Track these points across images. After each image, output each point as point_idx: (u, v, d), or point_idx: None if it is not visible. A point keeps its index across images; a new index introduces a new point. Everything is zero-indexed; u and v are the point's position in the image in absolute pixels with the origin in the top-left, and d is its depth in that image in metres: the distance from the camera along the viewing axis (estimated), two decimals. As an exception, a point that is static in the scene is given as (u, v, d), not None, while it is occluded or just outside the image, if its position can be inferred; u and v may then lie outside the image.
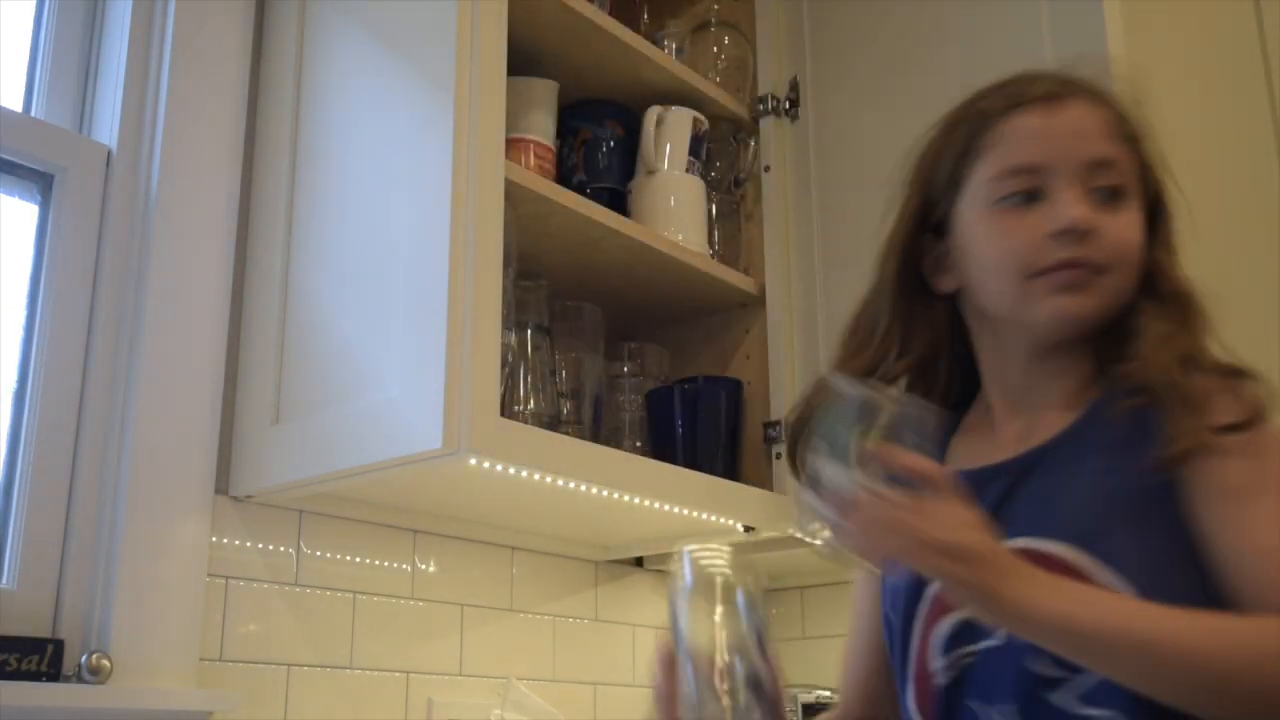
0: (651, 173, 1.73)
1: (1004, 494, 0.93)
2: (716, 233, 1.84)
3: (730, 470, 1.73)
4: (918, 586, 0.96)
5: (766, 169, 1.85)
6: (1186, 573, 0.86)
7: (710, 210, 1.81)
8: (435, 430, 1.25)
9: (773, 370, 1.78)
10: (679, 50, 1.86)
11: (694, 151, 1.76)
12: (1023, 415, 0.99)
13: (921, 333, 1.02)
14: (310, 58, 1.55)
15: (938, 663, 0.93)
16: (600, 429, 1.68)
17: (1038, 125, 0.95)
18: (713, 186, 1.84)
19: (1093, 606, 0.81)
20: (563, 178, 1.64)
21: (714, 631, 0.93)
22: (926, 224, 1.01)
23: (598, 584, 1.89)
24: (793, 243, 1.81)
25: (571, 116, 1.71)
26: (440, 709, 1.59)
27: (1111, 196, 0.94)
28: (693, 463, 1.65)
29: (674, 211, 1.72)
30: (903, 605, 0.97)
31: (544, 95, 1.63)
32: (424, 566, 1.64)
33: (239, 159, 1.55)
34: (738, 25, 1.94)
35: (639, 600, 1.95)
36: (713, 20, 1.94)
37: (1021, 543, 0.89)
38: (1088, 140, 0.95)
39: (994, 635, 0.89)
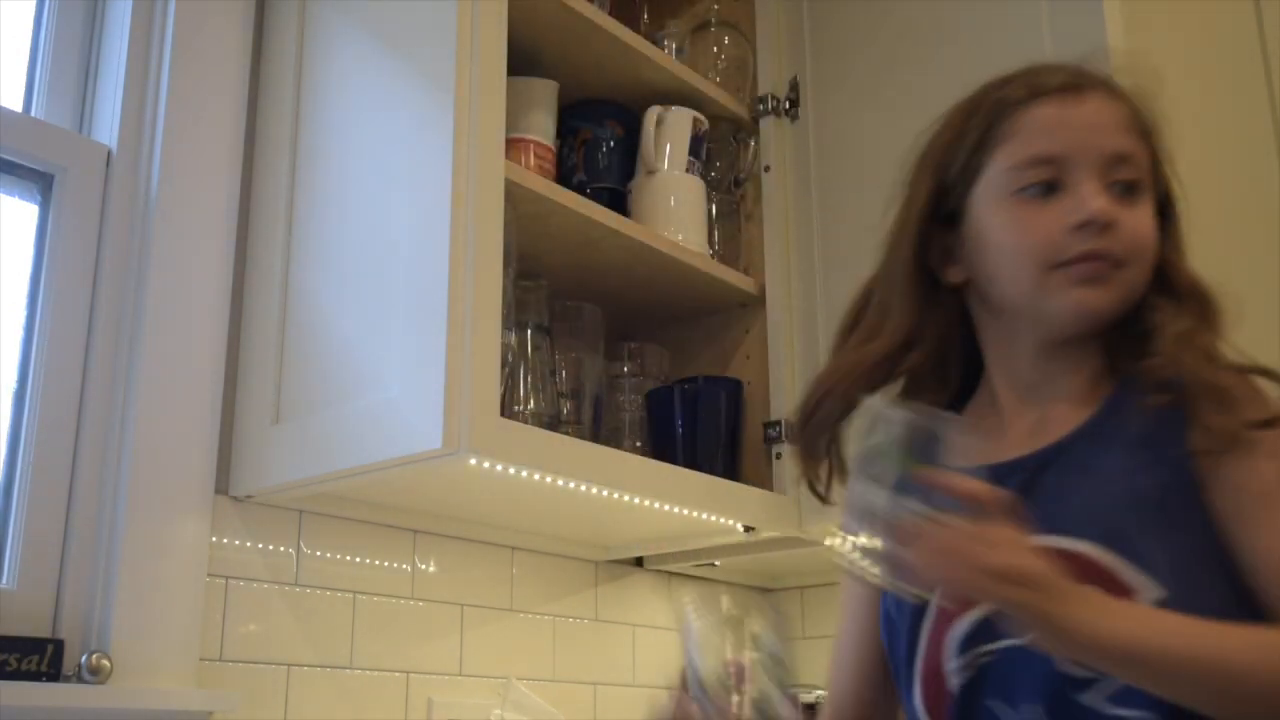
0: (651, 173, 1.73)
1: (1020, 490, 0.91)
2: (716, 233, 1.84)
3: (730, 470, 1.73)
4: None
5: (766, 169, 1.85)
6: (1213, 572, 0.86)
7: (710, 210, 1.81)
8: (435, 430, 1.25)
9: (773, 370, 1.78)
10: (679, 50, 1.86)
11: (694, 151, 1.76)
12: (1033, 410, 0.98)
13: (933, 324, 1.01)
14: (310, 58, 1.55)
15: (953, 663, 0.92)
16: (600, 429, 1.68)
17: (1058, 116, 0.94)
18: (713, 186, 1.84)
19: (1157, 630, 0.80)
20: (563, 178, 1.64)
21: (731, 676, 0.91)
22: (938, 213, 1.00)
23: (598, 584, 1.89)
24: (793, 243, 1.81)
25: (571, 116, 1.71)
26: (440, 709, 1.59)
27: (1128, 191, 0.93)
28: (693, 463, 1.65)
29: (674, 211, 1.72)
30: (910, 603, 0.96)
31: (544, 95, 1.63)
32: (424, 566, 1.64)
33: (239, 159, 1.55)
34: (738, 25, 1.94)
35: (639, 600, 1.95)
36: (713, 20, 1.95)
37: (1045, 541, 0.87)
38: (1107, 133, 0.94)
39: (1011, 633, 0.87)
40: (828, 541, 0.91)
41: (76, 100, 1.51)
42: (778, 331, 1.78)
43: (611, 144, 1.73)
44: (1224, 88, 1.74)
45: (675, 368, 1.85)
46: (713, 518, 1.65)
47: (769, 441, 1.75)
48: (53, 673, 1.27)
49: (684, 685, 0.92)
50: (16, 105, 1.46)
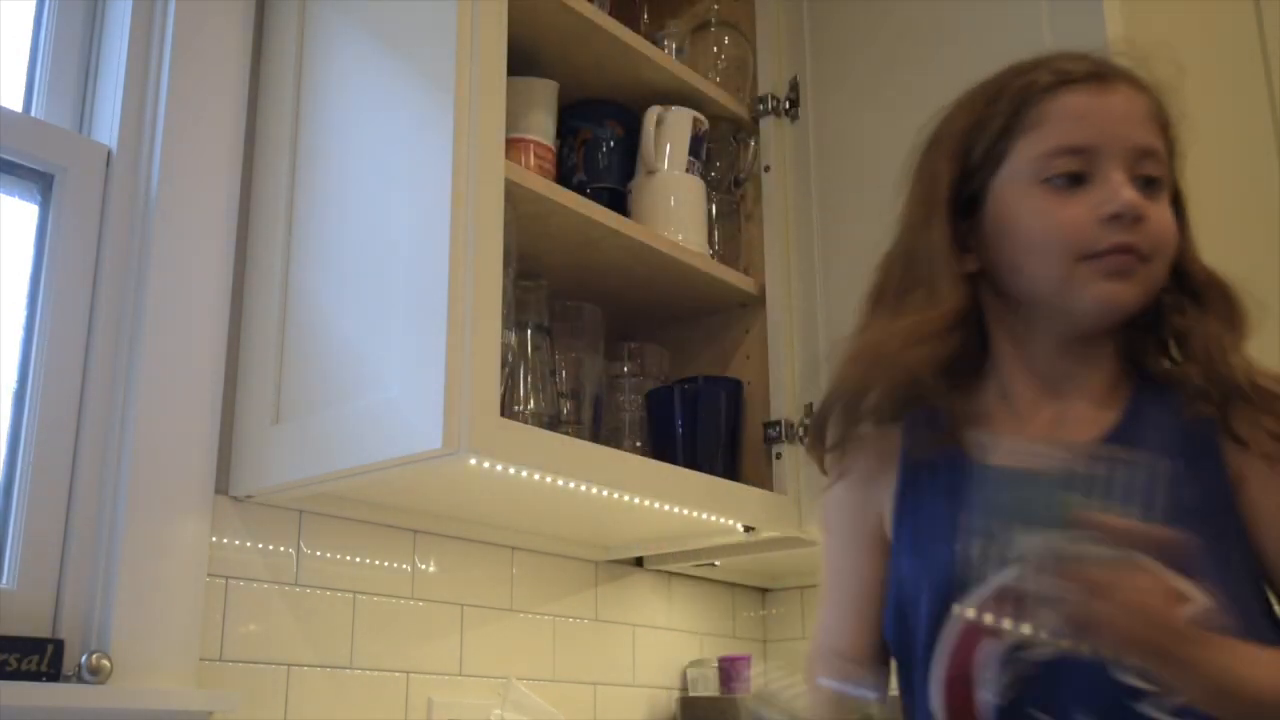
0: (651, 173, 1.73)
1: None
2: (716, 233, 1.84)
3: (730, 470, 1.73)
4: (957, 585, 0.90)
5: (766, 169, 1.85)
6: (1249, 581, 0.86)
7: (710, 210, 1.81)
8: (435, 430, 1.25)
9: (773, 370, 1.78)
10: (679, 50, 1.86)
11: (694, 151, 1.76)
12: (1050, 405, 0.96)
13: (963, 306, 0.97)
14: (310, 58, 1.55)
15: (989, 671, 0.88)
16: (600, 429, 1.68)
17: (1087, 105, 0.93)
18: (713, 186, 1.84)
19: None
20: (563, 178, 1.64)
21: None
22: (958, 198, 0.97)
23: (598, 584, 1.89)
24: (793, 243, 1.81)
25: (571, 116, 1.71)
26: (440, 709, 1.59)
27: (1149, 185, 0.92)
28: (693, 463, 1.65)
29: (674, 211, 1.72)
30: (938, 599, 0.91)
31: (544, 95, 1.63)
32: (424, 566, 1.64)
33: (239, 159, 1.55)
34: (738, 25, 1.94)
35: (639, 600, 1.95)
36: (713, 20, 1.94)
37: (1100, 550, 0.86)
38: (1135, 126, 0.93)
39: (1004, 636, 0.86)
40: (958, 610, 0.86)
41: (76, 100, 1.51)
42: (778, 331, 1.78)
43: (611, 144, 1.73)
44: (1224, 88, 1.74)
45: (675, 368, 1.85)
46: (713, 518, 1.65)
47: (769, 441, 1.75)
48: (53, 673, 1.27)
49: None
50: (16, 105, 1.46)
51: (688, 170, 1.75)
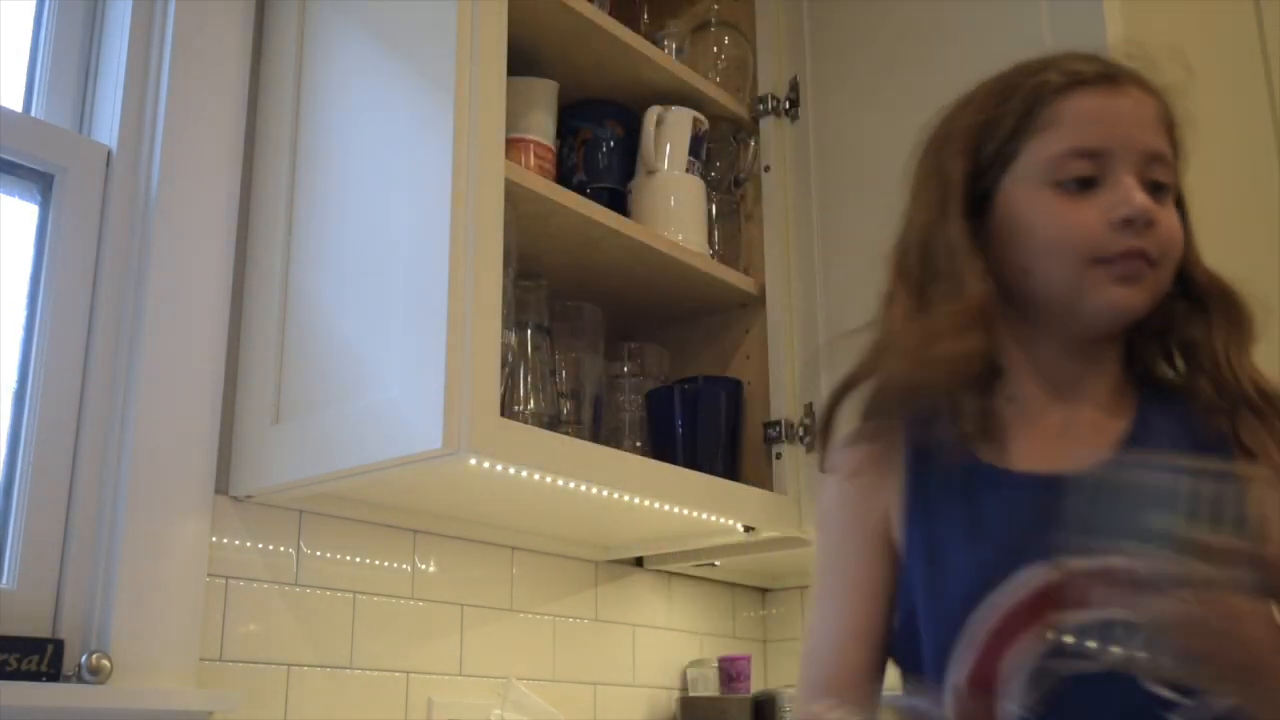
0: (651, 173, 1.73)
1: (1086, 508, 0.87)
2: (716, 233, 1.84)
3: (730, 470, 1.73)
4: (978, 590, 0.87)
5: (766, 169, 1.85)
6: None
7: (710, 210, 1.81)
8: (435, 430, 1.25)
9: (773, 370, 1.78)
10: (679, 50, 1.86)
11: (694, 151, 1.76)
12: (1059, 409, 0.95)
13: None
14: (310, 58, 1.55)
15: (1015, 681, 0.85)
16: (600, 429, 1.68)
17: (1100, 107, 0.92)
18: (713, 186, 1.84)
19: None
20: (563, 178, 1.64)
21: None
22: (970, 196, 0.96)
23: (598, 584, 1.89)
24: (793, 243, 1.81)
25: (571, 116, 1.71)
26: (440, 709, 1.59)
27: (1157, 190, 0.92)
28: (693, 463, 1.65)
29: (674, 211, 1.72)
30: (958, 606, 0.89)
31: (544, 95, 1.63)
32: (424, 566, 1.64)
33: (239, 159, 1.55)
34: (738, 25, 1.94)
35: (639, 600, 1.95)
36: (713, 20, 1.95)
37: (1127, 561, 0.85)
38: (1145, 129, 0.92)
39: (1093, 659, 0.83)
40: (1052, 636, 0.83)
41: (76, 100, 1.51)
42: (778, 331, 1.78)
43: (611, 144, 1.73)
44: (1224, 88, 1.74)
45: (675, 368, 1.85)
46: (713, 518, 1.65)
47: (769, 441, 1.75)
48: (53, 673, 1.27)
49: None
50: (16, 105, 1.46)
51: (688, 170, 1.75)
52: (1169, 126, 0.95)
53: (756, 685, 1.99)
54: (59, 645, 1.28)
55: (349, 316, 1.40)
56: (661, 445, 1.71)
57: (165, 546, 1.38)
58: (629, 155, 1.75)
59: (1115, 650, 0.78)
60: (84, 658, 1.28)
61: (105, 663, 1.29)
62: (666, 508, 1.58)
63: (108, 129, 1.48)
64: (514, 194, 1.42)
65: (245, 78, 1.57)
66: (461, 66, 1.36)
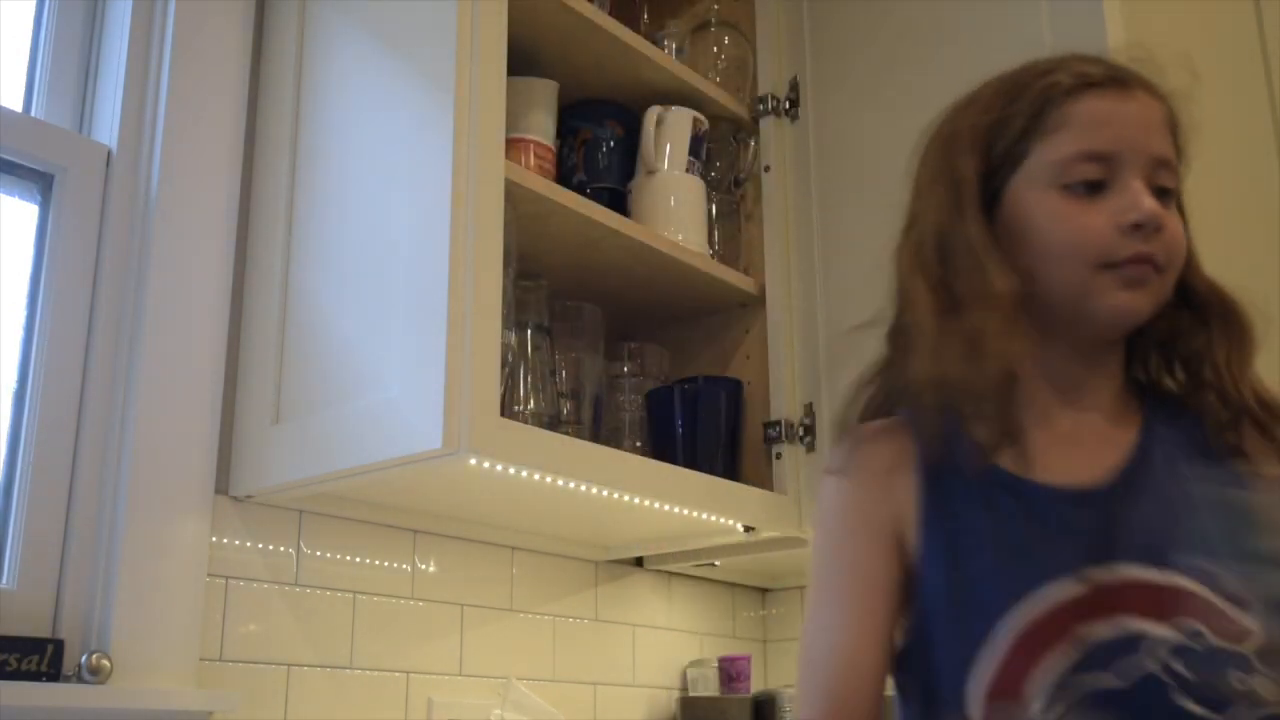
0: (651, 173, 1.73)
1: (1109, 522, 0.88)
2: (716, 233, 1.84)
3: (730, 470, 1.73)
4: (1003, 601, 0.86)
5: (766, 169, 1.85)
6: None
7: (710, 210, 1.81)
8: (435, 430, 1.25)
9: (773, 370, 1.78)
10: (679, 50, 1.86)
11: (694, 151, 1.76)
12: (1067, 413, 0.94)
13: None
14: (310, 58, 1.55)
15: (1042, 693, 0.83)
16: (600, 429, 1.68)
17: (1109, 110, 0.92)
18: (713, 186, 1.84)
19: None
20: (563, 178, 1.64)
21: None
22: (982, 196, 0.95)
23: (598, 584, 1.89)
24: (793, 243, 1.81)
25: (571, 116, 1.71)
26: (440, 709, 1.59)
27: (1162, 196, 0.92)
28: (693, 463, 1.65)
29: (674, 211, 1.72)
30: (979, 617, 0.87)
31: (544, 95, 1.63)
32: (424, 566, 1.64)
33: (239, 159, 1.55)
34: (738, 25, 1.94)
35: (639, 600, 1.95)
36: (713, 20, 1.95)
37: (1155, 576, 0.85)
38: (1153, 134, 0.92)
39: (1117, 675, 0.82)
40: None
41: (76, 100, 1.51)
42: (778, 331, 1.78)
43: (611, 144, 1.73)
44: (1224, 88, 1.74)
45: (675, 368, 1.85)
46: (713, 518, 1.65)
47: (769, 441, 1.75)
48: (53, 673, 1.27)
49: None
50: (16, 105, 1.47)
51: (688, 170, 1.75)
52: (1173, 131, 0.95)
53: (756, 685, 2.00)
54: (59, 645, 1.28)
55: (349, 316, 1.40)
56: (661, 445, 1.71)
57: (165, 546, 1.38)
58: (629, 155, 1.75)
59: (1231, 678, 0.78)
60: (84, 658, 1.28)
61: (105, 663, 1.29)
62: (666, 508, 1.58)
63: (108, 129, 1.49)
64: (514, 194, 1.42)
65: (245, 78, 1.57)
66: (461, 66, 1.36)
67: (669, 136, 1.74)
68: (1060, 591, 0.84)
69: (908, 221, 0.99)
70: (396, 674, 1.57)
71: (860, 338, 1.01)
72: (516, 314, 1.49)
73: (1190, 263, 0.96)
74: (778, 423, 1.74)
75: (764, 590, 2.20)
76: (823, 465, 1.00)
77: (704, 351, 1.87)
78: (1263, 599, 0.84)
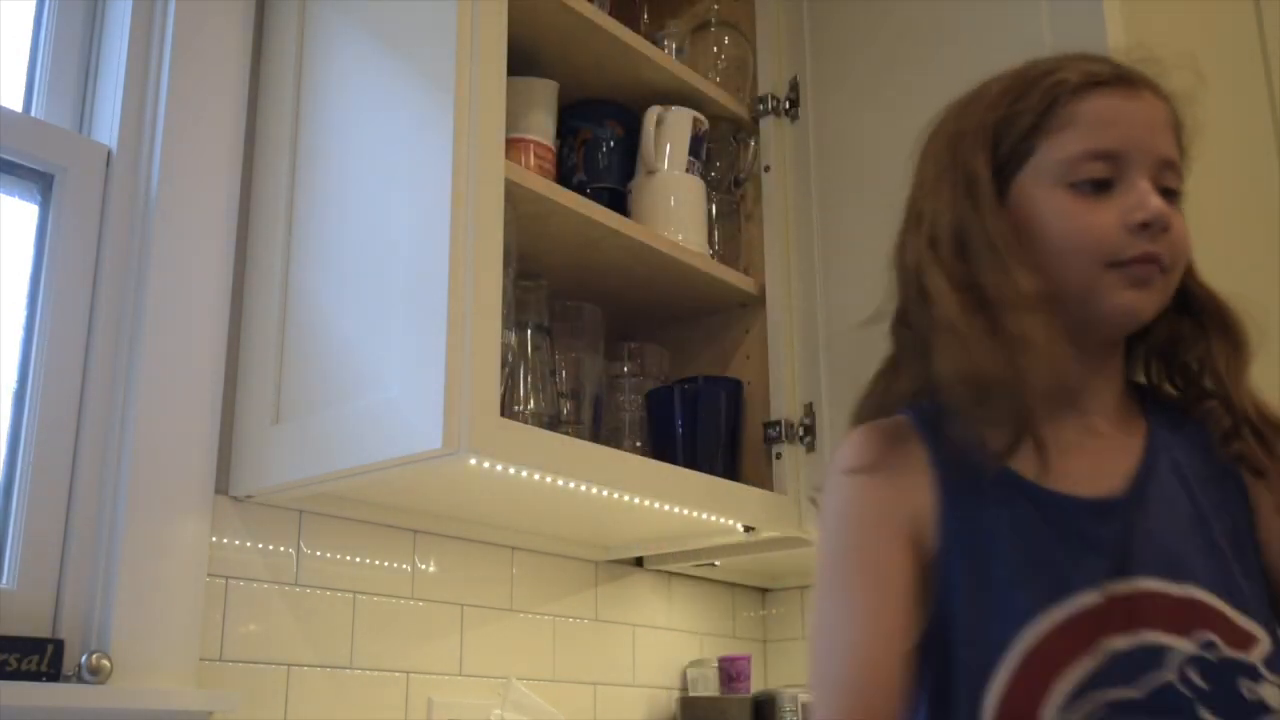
0: (651, 173, 1.73)
1: (1125, 534, 0.87)
2: (716, 233, 1.84)
3: (730, 470, 1.73)
4: (1024, 610, 0.85)
5: (766, 169, 1.85)
6: (1273, 614, 0.86)
7: (710, 210, 1.81)
8: (435, 430, 1.25)
9: (773, 370, 1.78)
10: (679, 50, 1.86)
11: (694, 151, 1.76)
12: (1074, 416, 0.93)
13: None
14: (310, 58, 1.55)
15: (1055, 707, 0.82)
16: (600, 429, 1.68)
17: (1117, 109, 0.91)
18: (713, 186, 1.84)
19: None
20: (563, 178, 1.64)
21: None
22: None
23: (598, 584, 1.89)
24: (793, 243, 1.81)
25: (571, 116, 1.71)
26: (440, 709, 1.59)
27: (1167, 196, 0.91)
28: (693, 463, 1.65)
29: (674, 211, 1.72)
30: (998, 625, 0.85)
31: (544, 95, 1.63)
32: (424, 566, 1.64)
33: (239, 159, 1.55)
34: (738, 25, 1.94)
35: (639, 600, 1.95)
36: (713, 20, 1.95)
37: (1167, 589, 0.85)
38: (1160, 135, 0.92)
39: (1135, 686, 0.82)
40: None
41: (76, 100, 1.52)
42: (778, 331, 1.78)
43: (611, 144, 1.73)
44: (1224, 88, 1.74)
45: (675, 368, 1.85)
46: (713, 518, 1.65)
47: (769, 441, 1.75)
48: (53, 673, 1.27)
49: None
50: (16, 105, 1.47)
51: (688, 170, 1.75)
52: (1177, 132, 0.95)
53: (756, 685, 2.00)
54: (59, 645, 1.28)
55: (349, 316, 1.40)
56: (661, 445, 1.71)
57: (165, 546, 1.38)
58: (629, 155, 1.75)
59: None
60: (84, 658, 1.28)
61: (105, 663, 1.29)
62: (666, 508, 1.58)
63: (108, 129, 1.49)
64: (514, 194, 1.42)
65: (245, 78, 1.57)
66: (461, 66, 1.36)
67: (669, 136, 1.74)
68: (1081, 603, 0.84)
69: (912, 218, 0.97)
70: (396, 674, 1.57)
71: (861, 337, 1.00)
72: (516, 314, 1.49)
73: (1189, 267, 0.95)
74: (778, 423, 1.74)
75: (764, 590, 2.20)
76: (832, 463, 0.96)
77: (704, 351, 1.87)
78: (1266, 605, 0.85)
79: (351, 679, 1.52)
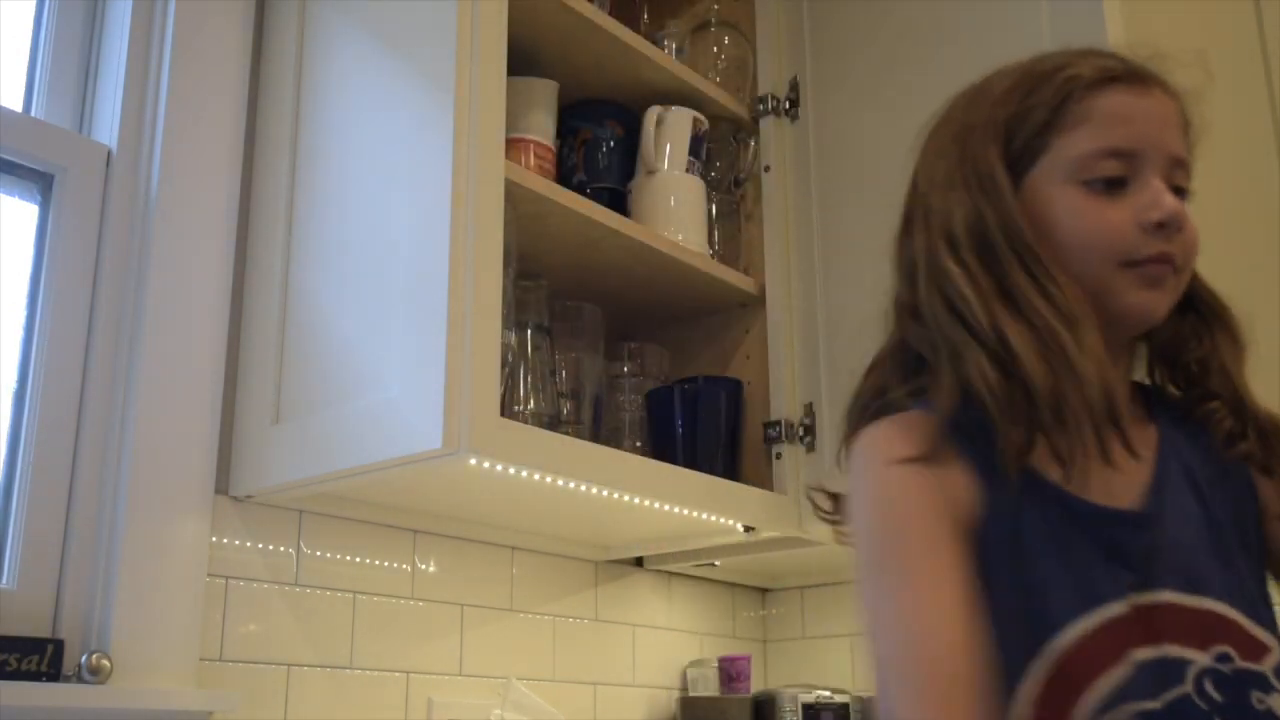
0: (651, 173, 1.73)
1: (1151, 545, 0.87)
2: (716, 233, 1.84)
3: (730, 470, 1.73)
4: (1067, 612, 0.83)
5: (766, 169, 1.85)
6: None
7: (710, 210, 1.81)
8: (435, 430, 1.25)
9: (773, 370, 1.78)
10: (679, 50, 1.86)
11: (694, 151, 1.76)
12: (1110, 424, 0.91)
13: None
14: (310, 58, 1.55)
15: (1088, 717, 0.82)
16: (600, 429, 1.68)
17: (1131, 106, 0.90)
18: (713, 186, 1.84)
19: None
20: (563, 178, 1.64)
21: None
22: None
23: (598, 584, 1.89)
24: (793, 243, 1.81)
25: (571, 116, 1.71)
26: (440, 709, 1.59)
27: (1178, 195, 0.91)
28: (693, 463, 1.65)
29: (674, 211, 1.72)
30: (1040, 624, 0.84)
31: (544, 95, 1.63)
32: (424, 566, 1.64)
33: (239, 159, 1.55)
34: (738, 25, 1.94)
35: (639, 600, 1.95)
36: (713, 20, 1.95)
37: (1192, 602, 0.84)
38: (1171, 132, 0.91)
39: (1156, 698, 0.81)
40: None
41: (76, 100, 1.52)
42: (778, 331, 1.78)
43: (611, 144, 1.73)
44: (1224, 88, 1.74)
45: (675, 368, 1.85)
46: (713, 518, 1.65)
47: (769, 441, 1.75)
48: (53, 673, 1.27)
49: None
50: (16, 105, 1.47)
51: (688, 170, 1.75)
52: (1186, 129, 0.94)
53: (756, 685, 2.00)
54: (59, 645, 1.28)
55: (349, 316, 1.40)
56: (661, 445, 1.71)
57: (165, 546, 1.38)
58: (629, 155, 1.75)
59: None
60: (84, 658, 1.28)
61: (105, 663, 1.29)
62: (666, 508, 1.58)
63: (108, 129, 1.49)
64: (514, 194, 1.42)
65: (245, 78, 1.57)
66: (461, 66, 1.36)
67: (669, 136, 1.74)
68: (1110, 613, 0.83)
69: (919, 214, 0.95)
70: (396, 674, 1.57)
71: (861, 337, 1.00)
72: (516, 314, 1.49)
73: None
74: (778, 423, 1.74)
75: (764, 590, 2.20)
76: (865, 455, 0.91)
77: (704, 351, 1.87)
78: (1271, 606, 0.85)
79: (351, 679, 1.52)
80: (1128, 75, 0.91)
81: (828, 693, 1.84)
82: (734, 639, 2.11)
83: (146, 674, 1.33)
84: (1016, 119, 0.92)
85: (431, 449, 1.26)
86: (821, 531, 1.68)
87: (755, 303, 1.82)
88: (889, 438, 0.91)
